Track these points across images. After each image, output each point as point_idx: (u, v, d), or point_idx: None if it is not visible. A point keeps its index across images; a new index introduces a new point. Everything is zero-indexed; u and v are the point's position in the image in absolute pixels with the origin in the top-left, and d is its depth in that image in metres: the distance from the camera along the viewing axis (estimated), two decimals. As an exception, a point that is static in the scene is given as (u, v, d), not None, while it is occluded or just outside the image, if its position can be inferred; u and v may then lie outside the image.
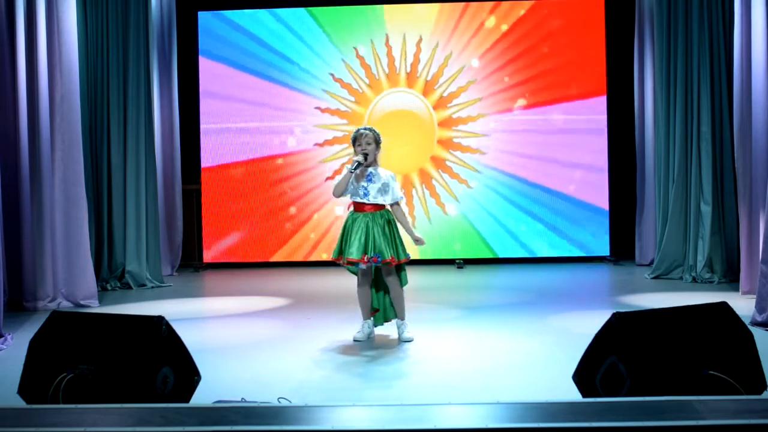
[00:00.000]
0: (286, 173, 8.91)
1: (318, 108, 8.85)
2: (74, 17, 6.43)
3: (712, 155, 7.16)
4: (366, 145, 4.86)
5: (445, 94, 8.81)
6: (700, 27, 7.21)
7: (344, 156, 8.73)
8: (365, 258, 4.74)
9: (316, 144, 8.88)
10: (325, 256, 8.62)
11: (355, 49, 8.83)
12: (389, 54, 8.84)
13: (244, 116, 8.92)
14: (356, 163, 4.82)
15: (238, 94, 8.91)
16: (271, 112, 8.91)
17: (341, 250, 4.86)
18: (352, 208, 4.93)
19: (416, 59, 8.82)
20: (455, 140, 8.81)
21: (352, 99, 8.86)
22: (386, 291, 4.99)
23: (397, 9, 8.85)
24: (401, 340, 4.94)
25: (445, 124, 8.82)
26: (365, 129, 4.93)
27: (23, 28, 6.12)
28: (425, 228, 8.77)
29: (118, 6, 7.42)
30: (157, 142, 8.06)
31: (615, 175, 8.82)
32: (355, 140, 4.91)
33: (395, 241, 4.84)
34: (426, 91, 8.83)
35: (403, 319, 4.98)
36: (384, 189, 4.87)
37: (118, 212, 7.50)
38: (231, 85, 8.91)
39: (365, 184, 4.87)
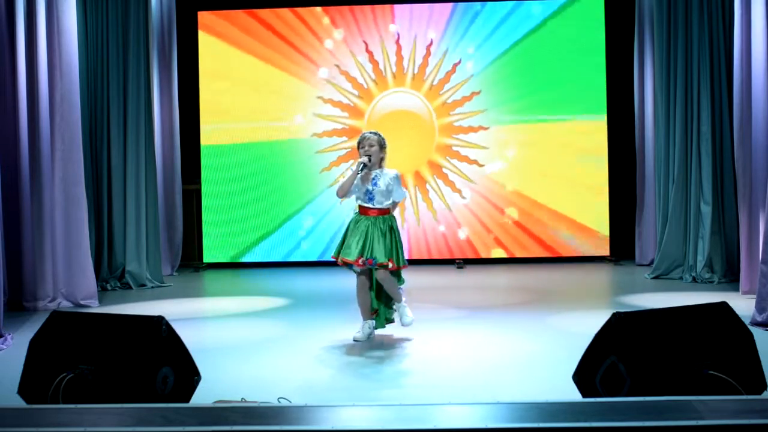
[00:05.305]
0: (286, 173, 8.90)
1: (320, 129, 8.86)
2: (74, 17, 6.43)
3: (712, 155, 7.16)
4: (369, 147, 4.89)
5: (435, 82, 8.80)
6: (700, 27, 7.21)
7: (344, 163, 8.76)
8: (360, 260, 4.77)
9: (317, 152, 8.89)
10: (322, 257, 8.64)
11: (350, 55, 8.84)
12: (371, 59, 8.83)
13: (244, 116, 8.91)
14: (361, 165, 4.85)
15: (238, 93, 8.90)
16: (272, 112, 8.91)
17: (341, 250, 4.89)
18: (357, 210, 4.96)
19: (399, 57, 8.81)
20: (456, 125, 8.81)
21: (352, 104, 8.87)
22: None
23: (390, 9, 8.86)
24: (402, 324, 4.93)
25: (443, 114, 8.82)
26: (369, 133, 4.98)
27: (23, 28, 6.12)
28: (427, 226, 8.78)
29: (118, 6, 7.41)
30: (157, 142, 8.06)
31: (615, 175, 8.81)
32: (360, 144, 4.95)
33: (395, 246, 4.86)
34: (421, 89, 8.82)
35: (400, 301, 4.96)
36: (387, 192, 4.90)
37: (118, 212, 7.49)
38: (231, 84, 8.90)
39: (370, 188, 4.90)
